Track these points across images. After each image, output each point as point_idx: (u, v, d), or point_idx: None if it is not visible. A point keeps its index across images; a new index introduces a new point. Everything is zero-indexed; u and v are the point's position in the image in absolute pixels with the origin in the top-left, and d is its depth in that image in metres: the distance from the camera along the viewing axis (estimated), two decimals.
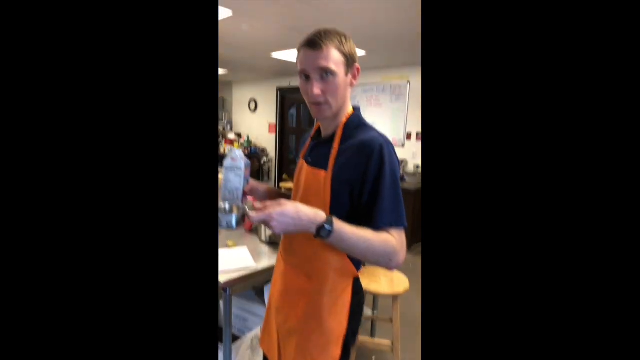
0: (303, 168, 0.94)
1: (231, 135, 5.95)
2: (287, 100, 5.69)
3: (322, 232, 0.69)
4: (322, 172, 0.84)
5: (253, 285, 1.46)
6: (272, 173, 5.96)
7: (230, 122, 6.63)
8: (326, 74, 0.78)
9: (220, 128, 6.26)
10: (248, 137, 5.96)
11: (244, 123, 6.47)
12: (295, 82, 5.31)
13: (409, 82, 3.96)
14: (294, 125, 5.72)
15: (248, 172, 0.93)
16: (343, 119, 0.88)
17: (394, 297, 1.58)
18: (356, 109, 0.89)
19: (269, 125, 5.92)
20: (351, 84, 0.84)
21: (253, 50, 3.61)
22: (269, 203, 0.69)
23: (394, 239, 0.74)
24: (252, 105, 6.21)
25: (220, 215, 0.75)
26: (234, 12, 2.36)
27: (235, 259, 1.40)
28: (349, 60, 0.81)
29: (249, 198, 0.99)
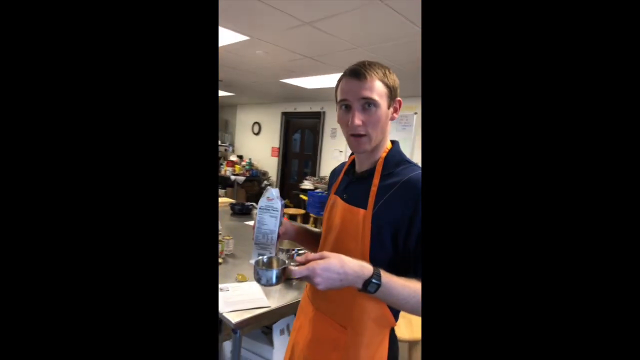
0: (337, 205, 0.87)
1: (233, 157, 5.91)
2: (291, 124, 5.69)
3: (369, 286, 0.63)
4: (361, 211, 0.77)
5: (262, 324, 1.35)
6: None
7: (232, 144, 6.61)
8: (369, 105, 0.74)
9: (222, 149, 6.22)
10: (250, 160, 5.92)
11: (247, 146, 6.44)
12: (301, 107, 5.35)
13: (415, 113, 3.98)
14: (298, 151, 5.69)
15: (282, 213, 0.85)
16: (382, 153, 0.82)
17: (412, 343, 1.46)
18: (395, 144, 0.84)
19: (272, 149, 5.90)
20: (392, 118, 0.80)
21: (263, 75, 3.62)
22: (310, 256, 0.64)
23: None
24: (256, 128, 6.22)
25: (257, 270, 0.67)
26: (250, 38, 2.36)
27: (246, 297, 1.29)
28: (392, 93, 0.77)
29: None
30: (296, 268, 0.61)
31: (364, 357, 0.76)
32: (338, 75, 0.79)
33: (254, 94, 5.14)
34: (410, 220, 0.71)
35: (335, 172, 1.01)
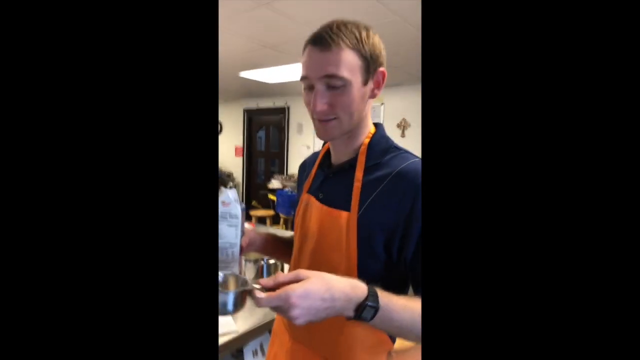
0: (311, 206, 0.69)
1: None
2: (254, 122, 5.44)
3: (364, 312, 0.47)
4: (343, 214, 0.62)
5: (231, 350, 1.16)
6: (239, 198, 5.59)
7: None
8: (336, 83, 0.57)
9: None
10: None
11: None
12: (263, 103, 5.12)
13: (383, 104, 3.89)
14: (263, 149, 5.45)
15: (244, 219, 0.68)
16: (364, 139, 0.66)
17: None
18: (379, 127, 0.69)
19: (236, 148, 5.61)
20: (373, 95, 0.63)
21: (220, 69, 3.36)
22: (281, 277, 0.47)
23: None
24: (217, 128, 5.89)
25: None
26: None
27: None
28: (370, 64, 0.60)
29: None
30: (263, 295, 0.45)
31: None
32: (301, 66, 0.62)
33: None
34: (407, 222, 0.56)
35: (306, 165, 0.83)
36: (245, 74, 3.50)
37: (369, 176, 0.63)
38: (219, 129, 5.82)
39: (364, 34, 0.59)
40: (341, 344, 0.62)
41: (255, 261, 1.33)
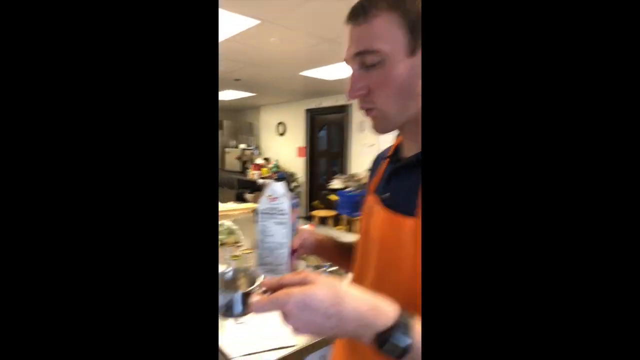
0: (374, 211, 0.56)
1: (259, 160, 5.73)
2: (316, 121, 5.42)
3: (388, 344, 0.35)
4: (407, 221, 0.48)
5: None
6: (302, 199, 5.62)
7: (258, 147, 6.45)
8: (370, 59, 0.46)
9: (248, 153, 6.08)
10: (276, 162, 5.71)
11: (272, 147, 6.25)
12: (325, 102, 5.06)
13: None
14: (325, 148, 5.41)
15: (295, 216, 0.58)
16: None
17: None
18: None
19: (298, 149, 5.66)
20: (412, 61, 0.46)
21: (281, 69, 3.37)
22: (286, 279, 0.39)
23: None
24: (281, 129, 6.01)
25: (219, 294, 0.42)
26: (262, 22, 2.09)
27: (267, 331, 1.01)
28: (416, 26, 0.44)
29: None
30: (257, 299, 0.38)
31: None
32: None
33: (276, 93, 4.91)
34: None
35: (378, 159, 0.69)
36: (306, 73, 3.46)
37: None
38: (283, 130, 5.93)
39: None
40: None
41: (317, 267, 1.22)
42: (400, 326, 0.36)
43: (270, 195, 0.55)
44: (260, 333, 1.00)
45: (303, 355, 1.01)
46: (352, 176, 4.47)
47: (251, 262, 1.47)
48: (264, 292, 0.41)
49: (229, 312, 0.42)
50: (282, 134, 6.00)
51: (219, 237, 1.75)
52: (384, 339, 0.36)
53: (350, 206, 3.48)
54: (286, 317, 0.37)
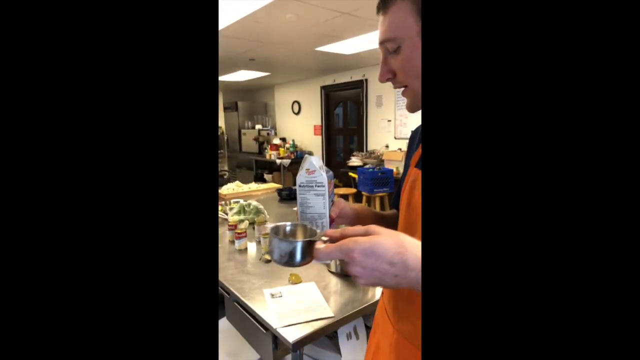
0: (418, 182, 0.56)
1: (276, 141, 5.75)
2: (332, 99, 5.36)
3: None
4: None
5: (326, 333, 1.12)
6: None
7: (274, 127, 6.45)
8: (391, 47, 0.52)
9: (265, 134, 6.10)
10: (293, 141, 5.72)
11: (288, 127, 6.24)
12: (340, 78, 4.97)
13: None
14: (341, 125, 5.36)
15: (332, 187, 0.62)
16: None
17: None
18: None
19: (314, 127, 5.63)
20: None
21: (297, 46, 3.31)
22: (349, 230, 0.42)
23: None
24: (296, 108, 5.97)
25: (272, 240, 0.45)
26: None
27: (303, 304, 1.06)
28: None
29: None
30: (323, 246, 0.41)
31: None
32: (378, 33, 0.55)
33: (290, 71, 4.85)
34: None
35: (416, 134, 0.69)
36: (322, 48, 3.40)
37: None
38: (299, 109, 5.90)
39: None
40: None
41: None
42: None
43: (308, 169, 0.58)
44: (299, 306, 1.05)
45: (338, 325, 1.06)
46: (371, 153, 4.44)
47: None
48: (326, 242, 0.43)
49: (291, 261, 0.43)
50: (297, 113, 5.97)
51: (249, 216, 1.80)
52: None
53: (370, 183, 3.49)
54: (350, 264, 0.38)
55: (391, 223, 0.72)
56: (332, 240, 0.42)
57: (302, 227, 0.51)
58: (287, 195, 2.45)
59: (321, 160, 0.60)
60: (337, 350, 1.28)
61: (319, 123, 5.53)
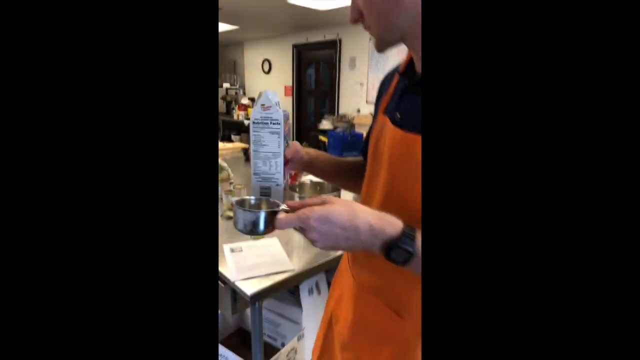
0: (385, 131, 0.54)
1: (244, 100, 5.52)
2: (304, 58, 5.15)
3: (392, 253, 0.42)
4: (419, 140, 0.47)
5: (287, 287, 1.13)
6: (289, 139, 5.56)
7: (242, 86, 6.17)
8: None
9: (233, 93, 5.82)
10: None
11: (258, 86, 5.99)
12: (314, 37, 4.77)
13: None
14: (313, 87, 5.22)
15: (287, 128, 0.60)
16: None
17: None
18: None
19: (285, 88, 5.44)
20: None
21: None
22: (309, 200, 0.45)
23: None
24: (266, 67, 5.71)
25: (236, 210, 0.48)
26: None
27: (264, 258, 1.04)
28: None
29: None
30: (283, 215, 0.44)
31: None
32: None
33: (261, 25, 4.57)
34: None
35: (386, 80, 0.66)
36: (294, 1, 3.19)
37: None
38: (269, 68, 5.64)
39: None
40: (414, 299, 0.51)
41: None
42: (404, 236, 0.41)
43: (263, 104, 0.55)
44: (260, 260, 1.03)
45: (299, 279, 1.06)
46: (342, 117, 4.39)
47: (243, 195, 1.48)
48: (287, 212, 0.45)
49: (255, 230, 0.46)
50: (267, 72, 5.72)
51: None
52: (391, 246, 0.41)
53: (340, 147, 3.46)
54: (308, 231, 0.42)
55: (349, 170, 0.71)
56: (292, 210, 0.45)
57: (266, 200, 0.53)
58: None
59: (277, 97, 0.57)
60: (299, 304, 1.30)
61: (290, 84, 5.34)
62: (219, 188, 1.51)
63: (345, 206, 0.42)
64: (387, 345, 0.55)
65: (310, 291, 1.32)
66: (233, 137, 5.44)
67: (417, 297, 0.48)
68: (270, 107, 0.55)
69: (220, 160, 1.83)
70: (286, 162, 0.59)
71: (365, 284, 0.58)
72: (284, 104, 4.97)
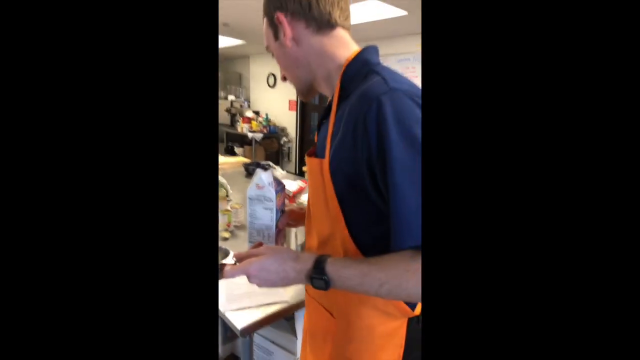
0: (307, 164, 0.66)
1: (249, 114, 5.54)
2: None
3: (314, 283, 0.50)
4: (318, 163, 0.55)
5: (283, 316, 1.07)
6: (292, 155, 5.54)
7: (247, 99, 6.20)
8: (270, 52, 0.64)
9: (238, 105, 5.85)
10: (267, 115, 5.54)
11: (263, 100, 6.02)
12: None
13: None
14: (317, 102, 5.23)
15: (282, 201, 0.70)
16: (339, 72, 0.57)
17: None
18: (365, 50, 0.57)
19: (289, 102, 5.46)
20: (289, 45, 0.58)
21: None
22: (252, 251, 0.55)
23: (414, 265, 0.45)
24: (271, 80, 5.74)
25: None
26: None
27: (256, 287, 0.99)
28: (272, 21, 0.59)
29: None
30: (229, 267, 0.53)
31: (360, 353, 0.58)
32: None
33: None
34: (368, 158, 0.47)
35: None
36: None
37: (340, 110, 0.53)
38: (274, 82, 5.68)
39: None
40: (340, 299, 0.59)
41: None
42: (315, 268, 0.49)
43: (257, 184, 0.65)
44: (253, 288, 0.98)
45: (295, 308, 1.01)
46: None
47: (241, 217, 1.43)
48: (235, 262, 0.54)
49: None
50: (272, 86, 5.75)
51: None
52: (310, 278, 0.49)
53: None
54: (250, 278, 0.52)
55: None
56: (239, 260, 0.54)
57: (221, 251, 0.67)
58: (254, 171, 2.35)
59: (272, 176, 0.66)
60: (294, 332, 1.24)
61: (294, 98, 5.36)
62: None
63: (275, 255, 0.52)
64: (326, 344, 0.62)
65: None
66: (236, 149, 5.44)
67: (343, 297, 0.58)
68: (263, 187, 0.64)
69: (218, 176, 1.79)
70: (278, 231, 0.68)
71: (311, 293, 0.67)
72: (287, 119, 4.93)
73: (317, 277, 0.48)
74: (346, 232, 0.53)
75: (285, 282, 0.52)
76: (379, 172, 0.46)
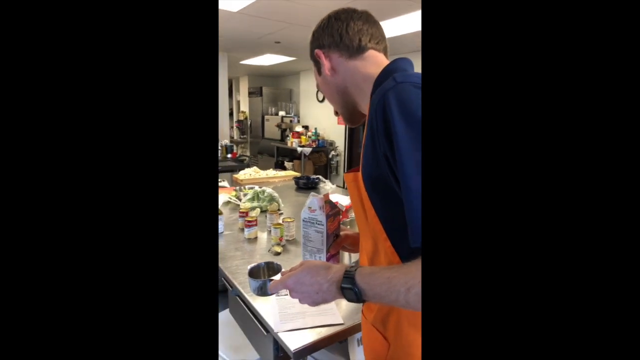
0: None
1: (298, 128, 5.64)
2: None
3: (346, 294, 0.50)
4: (353, 176, 0.58)
5: (338, 339, 1.01)
6: (340, 168, 5.52)
7: (297, 114, 6.34)
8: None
9: (288, 121, 6.00)
10: (316, 130, 5.60)
11: (312, 115, 6.12)
12: None
13: None
14: None
15: (336, 225, 0.71)
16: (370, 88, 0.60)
17: None
18: (392, 62, 0.60)
19: (338, 117, 5.45)
20: (329, 75, 0.65)
21: None
22: (294, 267, 0.57)
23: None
24: (320, 95, 5.82)
25: (248, 278, 0.62)
26: None
27: (310, 307, 0.95)
28: (314, 60, 0.67)
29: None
30: (273, 283, 0.57)
31: None
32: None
33: None
34: (385, 156, 0.49)
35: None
36: None
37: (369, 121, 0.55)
38: (323, 97, 5.74)
39: (312, 34, 0.67)
40: (391, 321, 0.60)
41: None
42: (345, 278, 0.50)
43: (310, 207, 0.68)
44: (305, 308, 0.94)
45: (349, 332, 0.95)
46: None
47: (293, 231, 1.41)
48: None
49: (262, 292, 0.59)
50: (322, 101, 5.82)
51: (263, 204, 1.71)
52: (341, 288, 0.50)
53: None
54: (290, 292, 0.55)
55: None
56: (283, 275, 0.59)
57: (272, 265, 0.66)
58: (305, 185, 2.35)
59: (323, 201, 0.69)
60: (346, 355, 1.17)
61: None
62: (267, 219, 1.47)
63: (307, 268, 0.54)
64: None
65: (360, 342, 1.18)
66: (286, 163, 5.55)
67: (394, 320, 0.59)
68: (315, 210, 0.68)
69: (269, 189, 1.80)
70: (330, 256, 0.69)
71: (365, 314, 0.67)
72: (336, 133, 4.93)
73: (348, 286, 0.49)
74: (388, 243, 0.54)
75: (320, 295, 0.53)
76: (393, 163, 0.47)
